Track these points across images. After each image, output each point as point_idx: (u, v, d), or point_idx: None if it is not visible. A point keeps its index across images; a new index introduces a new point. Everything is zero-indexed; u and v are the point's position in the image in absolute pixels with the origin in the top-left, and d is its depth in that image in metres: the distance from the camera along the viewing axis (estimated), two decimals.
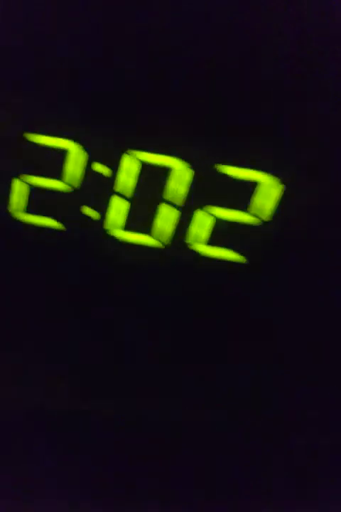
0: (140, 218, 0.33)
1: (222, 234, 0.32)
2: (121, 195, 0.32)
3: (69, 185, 0.32)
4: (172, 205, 0.32)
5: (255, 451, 0.40)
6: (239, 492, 0.40)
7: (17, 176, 0.33)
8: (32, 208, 0.33)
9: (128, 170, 0.32)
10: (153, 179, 0.32)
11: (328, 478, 0.40)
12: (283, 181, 0.31)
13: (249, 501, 0.39)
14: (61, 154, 0.31)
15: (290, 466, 0.40)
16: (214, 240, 0.32)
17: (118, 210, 0.33)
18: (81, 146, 0.31)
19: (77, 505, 0.39)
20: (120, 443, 0.40)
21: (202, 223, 0.32)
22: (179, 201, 0.32)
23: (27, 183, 0.32)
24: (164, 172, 0.32)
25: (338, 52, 0.32)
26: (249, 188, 0.32)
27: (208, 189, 0.32)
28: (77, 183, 0.32)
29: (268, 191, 0.31)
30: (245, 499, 0.40)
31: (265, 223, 0.32)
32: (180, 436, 0.39)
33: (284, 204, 0.31)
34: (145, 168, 0.32)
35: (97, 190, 0.32)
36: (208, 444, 0.40)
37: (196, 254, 0.33)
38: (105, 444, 0.40)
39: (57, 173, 0.32)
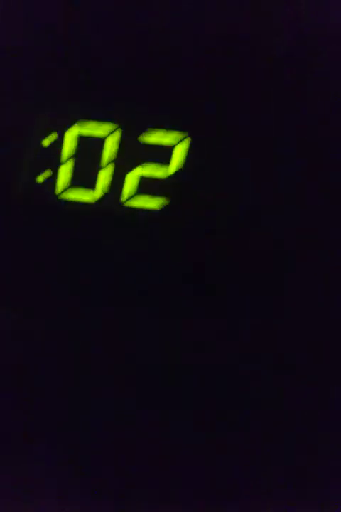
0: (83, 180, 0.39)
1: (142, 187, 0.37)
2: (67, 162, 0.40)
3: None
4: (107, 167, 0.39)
5: (255, 451, 0.40)
6: (239, 492, 0.40)
7: None
8: None
9: (73, 139, 0.39)
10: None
11: (328, 477, 0.40)
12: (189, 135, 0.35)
13: (248, 501, 0.40)
14: None
15: (291, 466, 0.40)
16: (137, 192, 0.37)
17: (65, 175, 0.40)
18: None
19: (76, 505, 0.40)
20: (119, 442, 0.41)
21: (129, 180, 0.38)
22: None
23: None
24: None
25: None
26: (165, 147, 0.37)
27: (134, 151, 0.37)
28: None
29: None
30: (245, 499, 0.40)
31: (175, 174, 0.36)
32: (180, 436, 0.40)
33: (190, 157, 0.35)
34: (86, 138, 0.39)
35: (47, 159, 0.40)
36: (208, 444, 0.40)
37: (123, 206, 0.38)
38: (105, 443, 0.41)
39: None
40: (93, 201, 0.39)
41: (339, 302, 0.39)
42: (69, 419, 0.41)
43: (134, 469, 0.41)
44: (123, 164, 0.38)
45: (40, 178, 0.39)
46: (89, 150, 0.39)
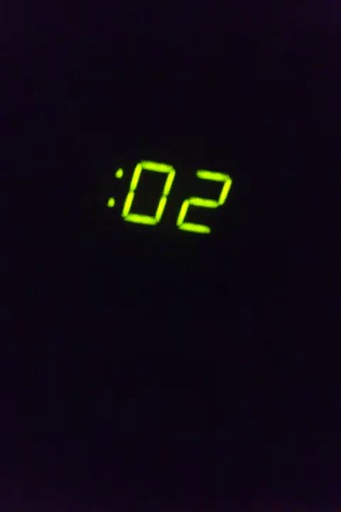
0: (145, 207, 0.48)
1: (195, 215, 0.46)
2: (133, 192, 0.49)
3: None
4: (165, 197, 0.48)
5: (255, 450, 0.41)
6: (239, 492, 0.41)
7: None
8: None
9: (138, 174, 0.48)
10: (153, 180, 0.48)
11: (328, 477, 0.41)
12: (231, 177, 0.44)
13: (249, 501, 0.41)
14: None
15: (291, 466, 0.41)
16: (189, 219, 0.46)
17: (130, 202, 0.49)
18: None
19: (77, 505, 0.40)
20: (119, 442, 0.41)
21: (183, 209, 0.47)
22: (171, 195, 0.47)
23: None
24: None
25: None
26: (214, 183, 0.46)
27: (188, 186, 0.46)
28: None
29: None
30: (245, 499, 0.41)
31: (221, 206, 0.45)
32: (180, 436, 0.41)
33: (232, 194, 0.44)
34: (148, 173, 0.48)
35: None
36: (208, 444, 0.41)
37: (178, 229, 0.47)
38: (105, 444, 0.41)
39: None
40: (154, 224, 0.49)
41: (339, 302, 0.44)
42: (69, 419, 0.42)
43: (134, 469, 0.41)
44: (178, 195, 0.48)
45: (111, 203, 0.49)
46: (151, 182, 0.48)
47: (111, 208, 0.46)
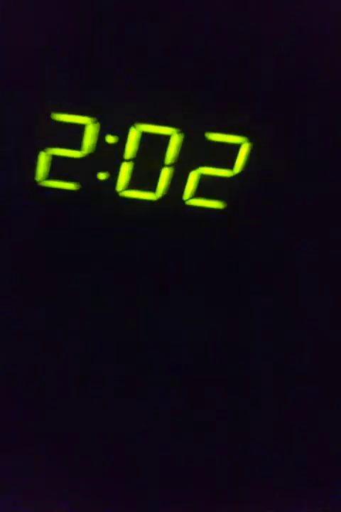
0: (144, 179, 0.40)
1: (205, 187, 0.38)
2: (128, 161, 0.40)
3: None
4: (168, 167, 0.39)
5: (255, 451, 0.41)
6: (238, 492, 0.41)
7: (43, 149, 0.37)
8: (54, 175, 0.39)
9: (134, 139, 0.40)
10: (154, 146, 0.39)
11: (328, 477, 0.40)
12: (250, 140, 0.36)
13: (249, 501, 0.40)
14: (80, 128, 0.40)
15: (291, 467, 0.40)
16: (198, 193, 0.38)
17: (126, 173, 0.40)
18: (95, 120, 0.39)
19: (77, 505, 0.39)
20: (119, 442, 0.40)
21: (191, 180, 0.39)
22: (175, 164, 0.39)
23: (50, 154, 0.38)
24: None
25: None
26: (228, 149, 0.37)
27: (197, 152, 0.38)
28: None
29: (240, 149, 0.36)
30: (245, 499, 0.40)
31: (237, 175, 0.36)
32: (180, 436, 0.40)
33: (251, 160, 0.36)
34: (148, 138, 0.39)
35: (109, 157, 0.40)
36: (208, 444, 0.41)
37: (186, 205, 0.38)
38: (104, 444, 0.41)
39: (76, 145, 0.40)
40: (155, 199, 0.40)
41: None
42: (69, 419, 0.41)
43: (134, 470, 0.41)
44: (185, 164, 0.39)
45: (103, 176, 0.40)
46: (151, 149, 0.39)
47: (102, 182, 0.39)
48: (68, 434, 0.41)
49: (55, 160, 0.39)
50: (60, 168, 0.39)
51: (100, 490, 0.41)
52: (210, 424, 0.41)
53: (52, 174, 0.39)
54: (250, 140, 0.37)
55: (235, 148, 0.38)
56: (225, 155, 0.38)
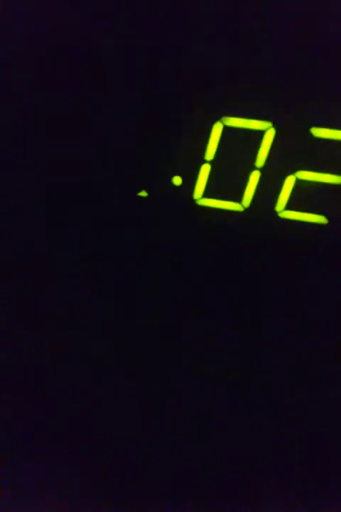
0: (227, 185, 0.33)
1: (304, 196, 0.30)
2: (209, 162, 0.33)
3: None
4: (259, 170, 0.32)
5: (255, 451, 0.39)
6: (239, 492, 0.39)
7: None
8: None
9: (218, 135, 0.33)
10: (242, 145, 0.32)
11: (328, 477, 0.39)
12: None
13: (249, 501, 0.39)
14: None
15: (291, 467, 0.39)
16: (296, 203, 0.30)
17: (204, 177, 0.33)
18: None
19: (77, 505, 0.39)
20: (119, 442, 0.40)
21: (285, 187, 0.31)
22: (267, 166, 0.31)
23: None
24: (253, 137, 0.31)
25: None
26: (337, 148, 0.29)
27: (296, 152, 0.30)
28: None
29: None
30: (245, 499, 0.39)
31: None
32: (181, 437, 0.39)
33: None
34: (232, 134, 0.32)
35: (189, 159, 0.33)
36: (208, 444, 0.39)
37: (279, 218, 0.31)
38: (105, 444, 0.40)
39: None
40: (241, 211, 0.33)
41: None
42: (70, 419, 0.40)
43: (135, 470, 0.40)
44: (280, 166, 0.31)
45: (177, 181, 0.33)
46: (237, 148, 0.32)
47: (177, 188, 0.33)
48: (68, 433, 0.40)
49: None
50: None
51: (100, 490, 0.40)
52: (210, 425, 0.39)
53: None
54: None
55: None
56: (333, 156, 0.30)
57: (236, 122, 0.32)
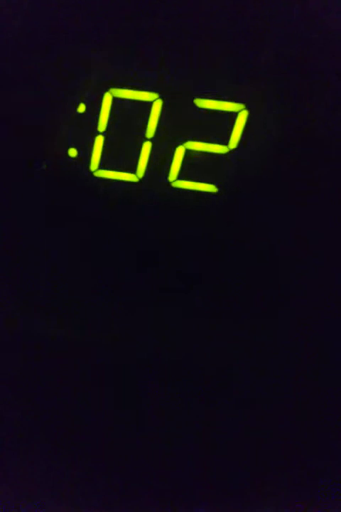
0: (121, 155, 0.33)
1: (194, 166, 0.31)
2: (102, 134, 0.33)
3: None
4: (150, 141, 0.32)
5: (255, 451, 0.39)
6: (239, 492, 0.40)
7: None
8: None
9: (109, 108, 0.33)
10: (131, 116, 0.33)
11: (328, 477, 0.39)
12: (247, 107, 0.29)
13: (249, 501, 0.39)
14: None
15: (290, 467, 0.39)
16: (186, 172, 0.31)
17: (98, 149, 0.34)
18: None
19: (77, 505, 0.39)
20: (119, 442, 0.40)
21: (176, 157, 0.32)
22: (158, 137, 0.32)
23: None
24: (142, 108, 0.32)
25: None
26: (221, 118, 0.30)
27: (183, 123, 0.31)
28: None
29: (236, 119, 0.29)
30: (245, 499, 0.39)
31: (232, 152, 0.30)
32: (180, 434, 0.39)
33: (250, 132, 0.29)
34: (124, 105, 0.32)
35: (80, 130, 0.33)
36: (208, 444, 0.39)
37: (170, 187, 0.32)
38: (104, 444, 0.40)
39: None
40: (135, 181, 0.33)
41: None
42: (70, 420, 0.40)
43: (135, 470, 0.40)
44: (169, 137, 0.32)
45: (73, 152, 0.34)
46: (128, 119, 0.32)
47: (72, 160, 0.33)
48: (68, 434, 0.40)
49: None
50: None
51: (100, 490, 0.40)
52: (210, 427, 0.39)
53: None
54: (248, 107, 0.30)
55: (230, 118, 0.31)
56: (219, 126, 0.31)
57: (124, 93, 0.32)
